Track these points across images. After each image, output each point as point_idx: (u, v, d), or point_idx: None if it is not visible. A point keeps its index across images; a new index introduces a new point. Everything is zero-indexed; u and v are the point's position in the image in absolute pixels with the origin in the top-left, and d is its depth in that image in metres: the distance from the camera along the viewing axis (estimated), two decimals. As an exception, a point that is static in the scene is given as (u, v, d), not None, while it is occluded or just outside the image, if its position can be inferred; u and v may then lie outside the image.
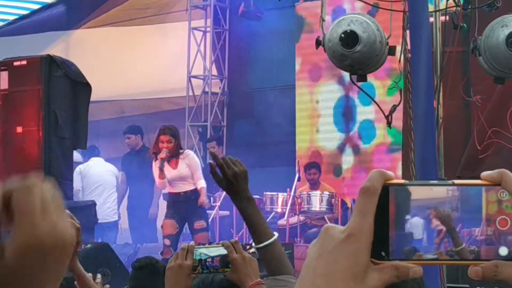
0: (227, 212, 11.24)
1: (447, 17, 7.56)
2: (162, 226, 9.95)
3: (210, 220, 10.45)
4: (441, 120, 7.08)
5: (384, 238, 1.06)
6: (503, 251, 1.06)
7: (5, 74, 9.72)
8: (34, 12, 15.71)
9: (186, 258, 3.08)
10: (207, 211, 10.31)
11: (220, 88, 14.27)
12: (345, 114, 13.02)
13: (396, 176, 1.10)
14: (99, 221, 10.14)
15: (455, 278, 7.02)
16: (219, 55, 14.21)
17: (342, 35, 6.70)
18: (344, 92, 12.97)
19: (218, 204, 10.86)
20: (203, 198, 9.75)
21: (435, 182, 1.09)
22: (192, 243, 3.17)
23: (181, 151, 9.80)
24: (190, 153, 10.07)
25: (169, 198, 10.10)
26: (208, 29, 14.21)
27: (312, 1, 12.68)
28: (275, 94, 13.60)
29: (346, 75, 10.05)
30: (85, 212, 9.74)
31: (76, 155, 10.97)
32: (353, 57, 6.75)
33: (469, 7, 7.28)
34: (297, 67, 13.42)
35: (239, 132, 13.84)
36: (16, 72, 9.70)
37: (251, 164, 10.53)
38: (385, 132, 12.08)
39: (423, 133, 6.69)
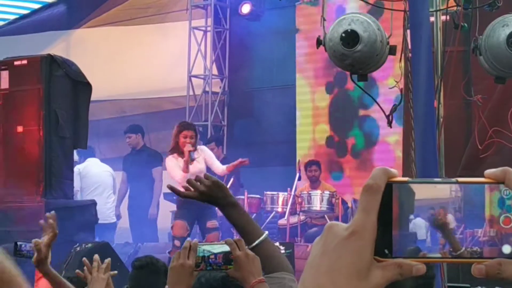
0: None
1: (448, 17, 7.56)
2: (172, 227, 9.90)
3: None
4: (441, 120, 7.08)
5: (387, 236, 1.06)
6: (507, 249, 1.06)
7: (5, 74, 9.73)
8: (34, 12, 15.71)
9: (189, 257, 3.08)
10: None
11: (220, 87, 14.27)
12: (345, 113, 13.03)
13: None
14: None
15: (456, 278, 7.02)
16: (219, 55, 14.21)
17: (343, 35, 6.70)
18: (344, 91, 12.97)
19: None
20: (230, 168, 9.85)
21: (439, 180, 1.08)
22: (195, 240, 3.17)
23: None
24: (203, 147, 10.18)
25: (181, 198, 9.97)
26: (208, 28, 14.21)
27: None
28: (275, 93, 13.61)
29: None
30: (86, 211, 9.74)
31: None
32: (354, 57, 6.75)
33: (470, 6, 7.28)
34: (298, 66, 13.43)
35: (239, 131, 13.84)
36: (16, 72, 9.70)
37: (251, 164, 10.59)
38: (387, 131, 12.08)
39: (423, 133, 6.69)
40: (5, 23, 15.89)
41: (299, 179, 11.14)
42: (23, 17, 15.76)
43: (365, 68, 6.90)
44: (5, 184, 9.73)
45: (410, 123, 6.87)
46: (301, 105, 13.39)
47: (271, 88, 13.73)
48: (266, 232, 3.45)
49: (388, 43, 6.87)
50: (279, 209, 10.89)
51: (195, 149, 9.69)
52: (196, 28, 14.12)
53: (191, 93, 14.03)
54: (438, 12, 7.36)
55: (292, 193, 10.74)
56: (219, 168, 9.84)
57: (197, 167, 9.66)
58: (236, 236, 3.32)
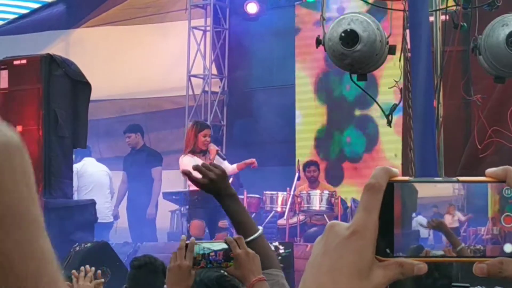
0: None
1: (447, 16, 7.56)
2: (189, 226, 9.87)
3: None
4: (441, 119, 7.08)
5: (389, 235, 1.06)
6: (508, 248, 1.06)
7: (5, 73, 9.72)
8: (34, 11, 15.70)
9: (185, 257, 3.08)
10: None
11: (220, 87, 14.27)
12: (344, 112, 13.03)
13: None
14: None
15: (456, 277, 7.02)
16: (219, 54, 14.21)
17: (342, 34, 6.71)
18: (344, 90, 12.98)
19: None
20: (241, 166, 9.91)
21: (440, 179, 1.08)
22: (192, 239, 3.17)
23: None
24: (212, 145, 10.15)
25: (196, 197, 9.84)
26: (208, 28, 14.20)
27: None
28: (274, 93, 13.60)
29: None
30: (85, 211, 9.74)
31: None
32: (353, 56, 6.75)
33: (469, 6, 7.29)
34: (297, 66, 13.43)
35: (238, 131, 13.84)
36: (16, 71, 9.70)
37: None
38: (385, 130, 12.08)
39: (423, 133, 6.70)
40: (4, 22, 15.89)
41: (299, 179, 11.14)
42: (22, 16, 15.76)
43: (364, 67, 6.90)
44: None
45: (409, 123, 6.87)
46: (300, 105, 13.39)
47: (271, 88, 13.73)
48: (261, 228, 3.45)
49: (387, 42, 6.87)
50: (279, 209, 10.89)
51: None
52: (195, 27, 14.12)
53: (190, 92, 14.03)
54: (438, 12, 7.37)
55: (292, 192, 10.74)
56: (229, 167, 9.82)
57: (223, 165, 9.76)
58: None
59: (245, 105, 13.96)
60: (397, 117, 10.11)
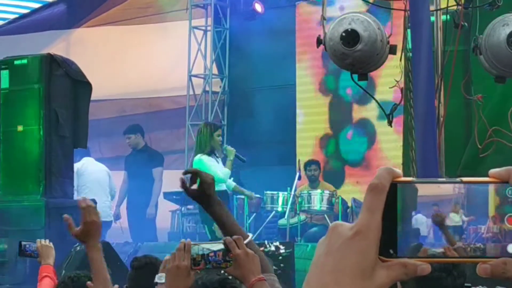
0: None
1: (448, 16, 7.56)
2: (215, 227, 9.90)
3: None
4: (442, 119, 7.08)
5: (392, 236, 1.06)
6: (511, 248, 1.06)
7: (6, 73, 9.73)
8: (34, 11, 15.70)
9: (184, 258, 3.07)
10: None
11: (220, 87, 14.27)
12: (345, 112, 13.03)
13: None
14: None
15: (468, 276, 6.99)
16: (219, 54, 14.21)
17: (343, 34, 6.70)
18: (344, 90, 12.98)
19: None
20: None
21: (443, 179, 1.08)
22: (188, 240, 3.17)
23: None
24: (229, 146, 10.36)
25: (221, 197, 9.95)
26: (208, 28, 14.20)
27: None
28: (275, 93, 13.60)
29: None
30: (86, 210, 9.72)
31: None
32: (354, 56, 6.75)
33: (470, 6, 7.29)
34: (298, 64, 13.43)
35: (239, 131, 13.83)
36: (17, 71, 9.71)
37: (251, 163, 10.59)
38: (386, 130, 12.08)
39: (424, 132, 6.70)
40: (5, 22, 15.89)
41: (299, 178, 11.14)
42: (23, 16, 15.76)
43: (365, 67, 6.90)
44: (5, 183, 9.73)
45: (410, 122, 6.87)
46: (301, 105, 13.39)
47: (271, 87, 13.72)
48: (251, 235, 3.46)
49: (388, 42, 6.87)
50: (279, 209, 10.88)
51: None
52: (196, 27, 14.11)
53: (191, 92, 14.03)
54: (439, 12, 7.37)
55: (292, 192, 10.73)
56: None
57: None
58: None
59: (246, 104, 13.96)
60: (397, 117, 10.10)
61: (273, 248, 8.58)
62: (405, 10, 7.06)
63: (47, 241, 5.29)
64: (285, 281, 6.86)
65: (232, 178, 10.36)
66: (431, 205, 1.08)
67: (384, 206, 1.05)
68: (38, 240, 5.26)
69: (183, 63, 13.96)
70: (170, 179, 12.32)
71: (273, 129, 13.18)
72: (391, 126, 7.46)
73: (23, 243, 5.35)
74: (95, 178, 11.47)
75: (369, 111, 12.57)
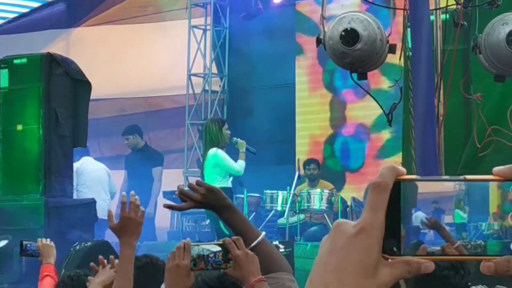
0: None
1: (448, 15, 7.56)
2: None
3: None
4: (441, 118, 7.08)
5: (396, 234, 1.06)
6: None
7: (5, 72, 9.74)
8: (34, 10, 15.70)
9: (184, 257, 3.07)
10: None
11: (220, 86, 14.27)
12: (345, 111, 13.04)
13: None
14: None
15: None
16: (219, 53, 14.21)
17: (343, 33, 6.70)
18: (343, 90, 12.99)
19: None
20: None
21: (447, 177, 1.08)
22: (188, 240, 3.17)
23: None
24: (240, 139, 10.37)
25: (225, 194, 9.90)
26: (208, 27, 14.20)
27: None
28: (275, 92, 13.60)
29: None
30: (85, 210, 9.74)
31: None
32: (354, 55, 6.75)
33: (470, 5, 7.29)
34: (297, 64, 13.43)
35: (239, 130, 13.83)
36: (16, 70, 9.72)
37: (250, 162, 10.58)
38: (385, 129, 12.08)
39: (423, 131, 6.70)
40: (4, 21, 15.89)
41: (299, 177, 11.14)
42: (22, 15, 15.76)
43: (365, 66, 6.90)
44: (4, 183, 9.74)
45: (410, 121, 6.87)
46: (300, 104, 13.39)
47: (271, 86, 13.73)
48: (264, 233, 3.44)
49: (388, 41, 6.87)
50: (279, 208, 10.88)
51: None
52: (195, 26, 14.12)
53: (190, 91, 14.03)
54: (438, 11, 7.37)
55: (292, 191, 10.73)
56: None
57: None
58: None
59: (245, 104, 13.96)
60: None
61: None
62: (404, 9, 7.06)
63: (48, 240, 5.29)
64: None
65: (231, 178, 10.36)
66: (431, 202, 1.08)
67: (388, 204, 1.06)
68: (39, 239, 5.26)
69: (182, 62, 13.96)
70: (170, 179, 12.33)
71: (272, 128, 13.18)
72: (391, 125, 7.46)
73: (24, 242, 5.35)
74: (94, 177, 11.46)
75: (369, 110, 12.57)
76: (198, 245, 3.09)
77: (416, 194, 1.07)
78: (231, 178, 10.34)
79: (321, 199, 10.78)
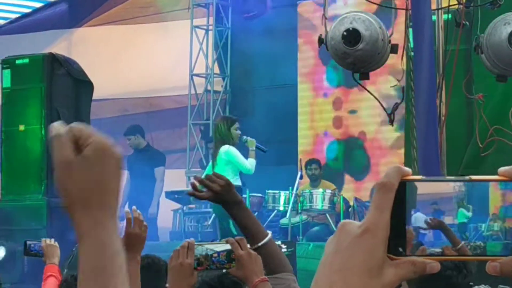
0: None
1: (450, 15, 7.56)
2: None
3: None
4: (443, 118, 7.08)
5: (401, 234, 1.06)
6: None
7: (7, 73, 9.74)
8: (36, 11, 15.71)
9: (187, 256, 3.07)
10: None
11: (222, 86, 14.27)
12: (345, 111, 13.04)
13: None
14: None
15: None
16: (221, 54, 14.21)
17: (345, 33, 6.71)
18: (344, 88, 12.99)
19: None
20: None
21: (452, 178, 1.08)
22: (192, 240, 3.17)
23: None
24: (249, 138, 10.38)
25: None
26: (210, 27, 14.20)
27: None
28: (277, 92, 13.60)
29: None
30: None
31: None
32: (356, 55, 6.75)
33: (472, 5, 7.29)
34: (299, 64, 13.43)
35: (241, 130, 13.83)
36: (18, 70, 9.73)
37: (253, 162, 10.56)
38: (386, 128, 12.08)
39: (425, 131, 6.69)
40: (6, 21, 15.89)
41: (301, 177, 11.14)
42: (25, 15, 15.76)
43: (366, 66, 6.90)
44: (6, 183, 9.74)
45: (412, 121, 6.87)
46: (302, 103, 13.39)
47: (273, 87, 13.72)
48: (271, 232, 3.45)
49: (389, 41, 6.87)
50: (281, 208, 10.88)
51: None
52: (197, 27, 14.12)
53: (192, 92, 14.03)
54: (440, 11, 7.36)
55: (294, 191, 10.73)
56: None
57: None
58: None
59: (247, 104, 13.96)
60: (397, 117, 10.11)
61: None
62: (406, 9, 7.06)
63: (52, 240, 5.29)
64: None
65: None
66: (430, 203, 1.08)
67: (393, 204, 1.06)
68: (43, 239, 5.26)
69: (184, 62, 13.96)
70: (172, 179, 12.33)
71: (274, 128, 13.17)
72: (392, 125, 7.46)
73: (28, 242, 5.35)
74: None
75: (370, 111, 12.56)
76: (201, 245, 3.10)
77: (416, 195, 1.07)
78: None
79: (323, 199, 10.78)
